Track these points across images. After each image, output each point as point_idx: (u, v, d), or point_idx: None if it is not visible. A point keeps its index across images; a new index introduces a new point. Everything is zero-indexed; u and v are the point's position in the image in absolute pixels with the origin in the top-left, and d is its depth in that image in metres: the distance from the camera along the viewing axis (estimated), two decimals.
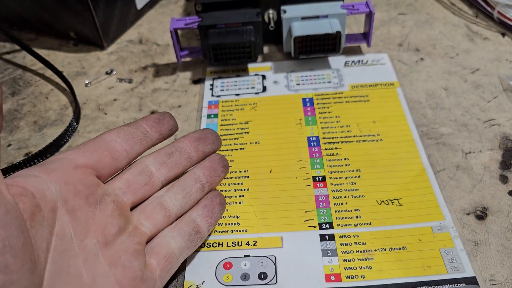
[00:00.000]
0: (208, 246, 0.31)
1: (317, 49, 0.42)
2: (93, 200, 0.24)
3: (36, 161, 0.37)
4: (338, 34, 0.41)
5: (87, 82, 0.45)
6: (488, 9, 0.48)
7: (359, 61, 0.45)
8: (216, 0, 0.43)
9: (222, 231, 0.32)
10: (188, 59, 0.47)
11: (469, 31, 0.48)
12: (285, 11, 0.43)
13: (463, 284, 0.28)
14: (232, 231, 0.32)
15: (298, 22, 0.42)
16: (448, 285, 0.28)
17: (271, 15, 0.44)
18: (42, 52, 0.47)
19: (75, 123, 0.40)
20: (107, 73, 0.46)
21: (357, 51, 0.46)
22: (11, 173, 0.36)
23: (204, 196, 0.30)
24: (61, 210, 0.23)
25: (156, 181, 0.28)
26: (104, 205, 0.25)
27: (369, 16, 0.42)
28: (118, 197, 0.26)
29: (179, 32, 0.45)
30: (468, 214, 0.32)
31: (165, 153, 0.29)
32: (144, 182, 0.28)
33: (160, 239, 0.27)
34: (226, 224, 0.32)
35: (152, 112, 0.41)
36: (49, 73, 0.47)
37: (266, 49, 0.47)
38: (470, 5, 0.51)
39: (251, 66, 0.45)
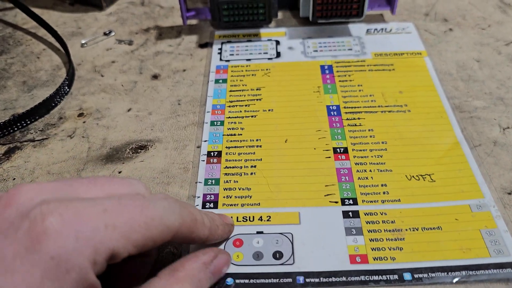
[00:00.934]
0: None
1: (338, 13, 0.38)
2: None
3: (23, 122, 0.34)
4: None
5: (83, 42, 0.41)
6: None
7: (382, 29, 0.41)
8: None
9: (231, 204, 0.28)
10: (194, 21, 0.43)
11: (500, 2, 0.44)
12: None
13: (509, 269, 0.24)
14: (242, 205, 0.28)
15: None
16: (492, 270, 0.24)
17: None
18: (35, 11, 0.43)
19: (67, 84, 0.36)
20: (105, 34, 0.42)
21: (379, 19, 0.42)
22: None
23: None
24: None
25: None
26: None
27: None
28: None
29: None
30: (510, 193, 0.28)
31: None
32: None
33: None
34: (236, 197, 0.28)
35: (154, 76, 0.37)
36: (41, 32, 0.43)
37: (280, 15, 0.43)
38: None
39: (263, 31, 0.41)
